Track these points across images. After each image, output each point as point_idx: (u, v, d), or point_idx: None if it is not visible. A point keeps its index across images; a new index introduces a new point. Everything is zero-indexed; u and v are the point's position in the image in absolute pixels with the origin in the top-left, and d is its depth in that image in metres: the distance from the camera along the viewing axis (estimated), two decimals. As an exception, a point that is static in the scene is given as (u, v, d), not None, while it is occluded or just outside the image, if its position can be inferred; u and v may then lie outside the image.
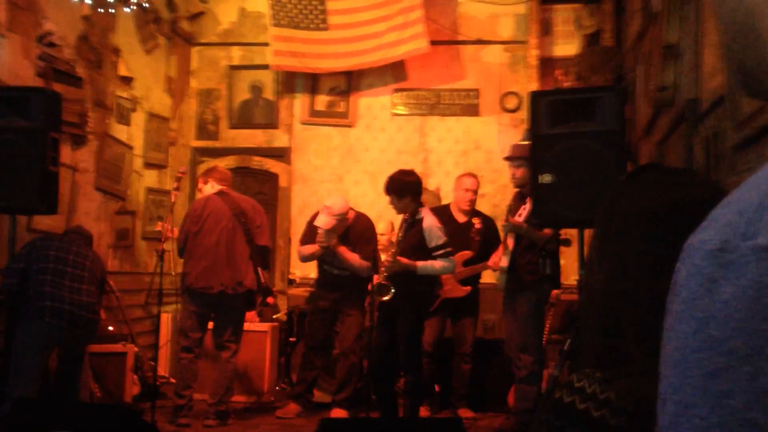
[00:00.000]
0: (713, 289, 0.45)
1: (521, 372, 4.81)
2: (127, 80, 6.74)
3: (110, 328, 5.63)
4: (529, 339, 4.83)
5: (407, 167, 5.45)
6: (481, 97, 7.48)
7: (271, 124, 7.80)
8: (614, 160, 3.75)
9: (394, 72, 7.54)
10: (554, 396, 0.91)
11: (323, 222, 5.23)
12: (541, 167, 3.89)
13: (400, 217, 5.11)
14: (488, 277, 5.81)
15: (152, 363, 5.64)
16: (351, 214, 5.46)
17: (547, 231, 4.69)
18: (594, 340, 0.96)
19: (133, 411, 4.15)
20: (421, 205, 5.02)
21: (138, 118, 6.96)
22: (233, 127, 7.86)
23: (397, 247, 4.90)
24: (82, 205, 6.03)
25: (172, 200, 5.61)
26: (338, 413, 5.36)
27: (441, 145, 7.52)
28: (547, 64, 7.16)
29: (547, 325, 5.28)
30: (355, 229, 5.44)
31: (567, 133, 3.86)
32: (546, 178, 3.84)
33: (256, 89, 7.85)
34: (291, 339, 6.35)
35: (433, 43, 7.26)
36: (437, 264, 4.88)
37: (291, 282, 7.53)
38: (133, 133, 6.89)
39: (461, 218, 5.73)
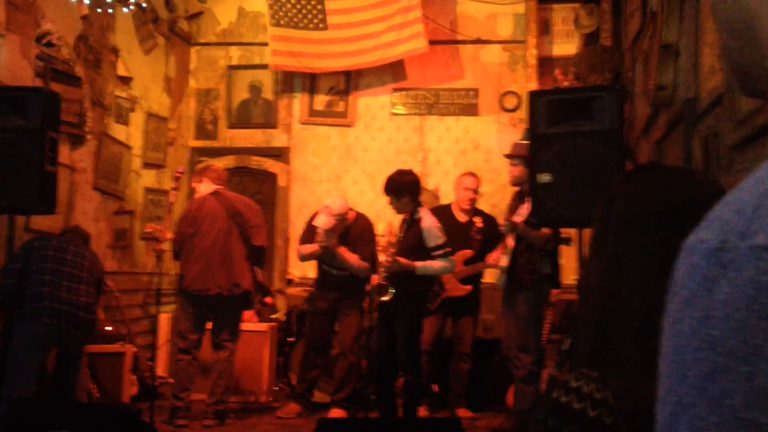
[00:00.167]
0: (712, 289, 0.45)
1: (520, 372, 4.81)
2: (125, 80, 6.73)
3: (108, 328, 5.62)
4: (528, 339, 4.83)
5: (406, 167, 5.44)
6: (480, 97, 7.48)
7: (270, 124, 7.80)
8: (613, 159, 3.75)
9: (392, 72, 7.53)
10: (551, 396, 0.91)
11: (323, 222, 5.23)
12: (540, 166, 3.89)
13: (399, 217, 5.11)
14: (489, 277, 5.81)
15: (150, 363, 5.64)
16: (351, 214, 5.45)
17: (545, 230, 4.69)
18: (590, 340, 0.96)
19: (132, 411, 4.15)
20: (419, 204, 5.01)
21: (136, 118, 6.96)
22: (232, 126, 7.86)
23: (396, 247, 4.90)
24: (81, 205, 6.02)
25: (171, 200, 5.60)
26: (337, 413, 5.36)
27: (440, 145, 7.52)
28: (545, 64, 7.17)
29: (547, 325, 5.28)
30: (354, 230, 5.44)
31: (566, 132, 3.86)
32: (544, 178, 3.85)
33: (255, 89, 7.84)
34: (289, 339, 6.35)
35: (432, 42, 7.26)
36: (436, 264, 4.87)
37: (289, 282, 7.53)
38: (132, 133, 6.89)
39: (462, 217, 5.73)
